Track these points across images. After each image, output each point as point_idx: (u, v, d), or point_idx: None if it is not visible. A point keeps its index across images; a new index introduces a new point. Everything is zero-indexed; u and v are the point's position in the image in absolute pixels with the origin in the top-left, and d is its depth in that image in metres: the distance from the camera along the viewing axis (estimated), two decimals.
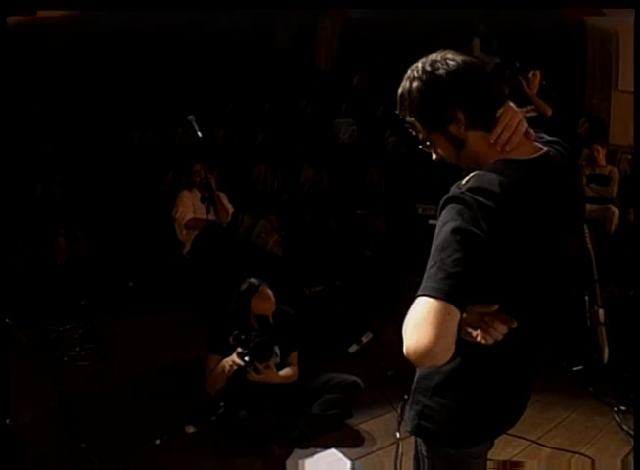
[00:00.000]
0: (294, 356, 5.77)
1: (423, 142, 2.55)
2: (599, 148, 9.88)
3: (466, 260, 2.12)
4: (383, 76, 13.40)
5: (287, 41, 14.83)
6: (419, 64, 2.44)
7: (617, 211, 9.37)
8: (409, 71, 2.47)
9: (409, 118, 2.52)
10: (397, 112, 2.56)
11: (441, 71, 2.38)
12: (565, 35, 11.33)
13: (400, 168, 10.86)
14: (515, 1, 9.68)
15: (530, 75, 8.54)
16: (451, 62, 2.38)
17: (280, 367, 5.62)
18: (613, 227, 9.29)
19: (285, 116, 12.58)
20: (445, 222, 2.21)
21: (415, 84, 2.43)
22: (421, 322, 2.08)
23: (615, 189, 9.66)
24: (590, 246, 6.72)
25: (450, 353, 2.11)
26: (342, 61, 14.64)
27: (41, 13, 10.94)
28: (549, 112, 8.55)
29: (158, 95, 12.10)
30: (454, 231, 2.16)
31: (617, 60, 11.31)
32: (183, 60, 13.01)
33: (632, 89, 9.77)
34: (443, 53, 2.42)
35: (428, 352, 2.06)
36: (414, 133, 2.56)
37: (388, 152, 11.54)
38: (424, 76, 2.40)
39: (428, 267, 2.18)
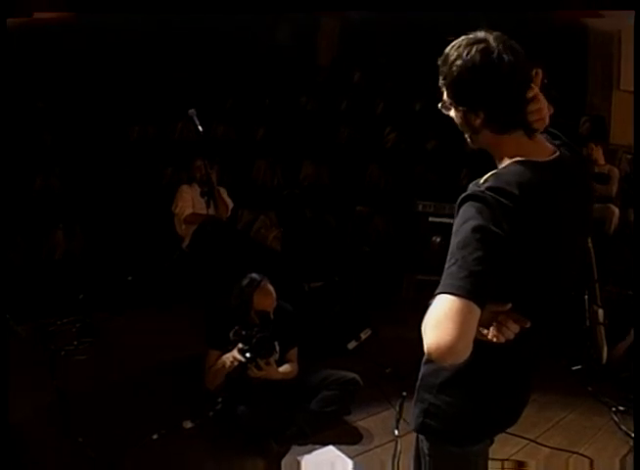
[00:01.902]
0: (293, 353, 5.77)
1: (443, 103, 2.53)
2: (593, 146, 9.87)
3: (487, 259, 2.14)
4: (383, 74, 13.41)
5: (288, 37, 14.81)
6: (474, 45, 2.36)
7: (616, 211, 9.37)
8: (460, 39, 2.41)
9: (441, 81, 2.48)
10: (438, 63, 2.47)
11: (488, 69, 2.33)
12: (566, 34, 11.32)
13: (400, 165, 10.86)
14: (514, 4, 9.68)
15: (533, 74, 8.48)
16: (504, 61, 2.33)
17: (279, 363, 5.63)
18: (612, 227, 9.30)
19: (285, 112, 12.57)
20: (465, 220, 2.22)
21: (458, 62, 2.36)
22: (443, 319, 2.09)
23: (614, 188, 9.66)
24: (590, 245, 6.71)
25: (469, 351, 2.12)
26: (343, 58, 14.63)
27: (38, 14, 10.96)
28: (551, 110, 8.51)
29: (158, 89, 12.08)
30: (475, 229, 2.17)
31: (619, 59, 11.32)
32: (183, 55, 12.99)
33: (634, 89, 9.77)
34: (502, 45, 2.34)
35: (450, 349, 2.07)
36: (440, 90, 2.52)
37: (387, 149, 11.53)
38: (469, 63, 2.34)
39: (447, 265, 2.18)
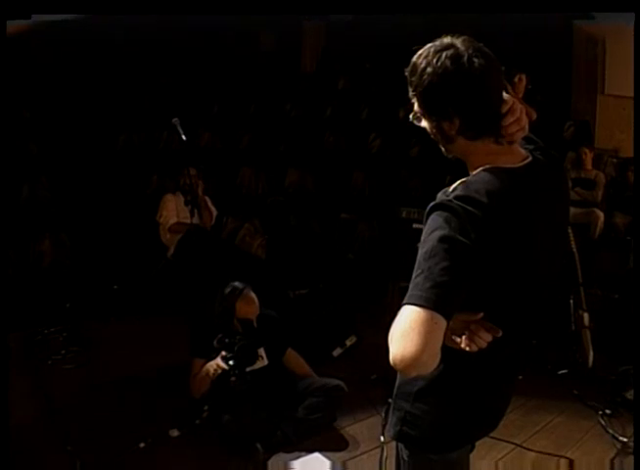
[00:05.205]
0: (290, 354, 5.86)
1: (415, 114, 2.47)
2: (587, 151, 9.91)
3: (453, 269, 2.11)
4: (367, 80, 13.43)
5: (272, 44, 14.83)
6: (443, 51, 2.28)
7: (601, 215, 9.40)
8: (429, 46, 2.33)
9: (411, 92, 2.41)
10: (406, 74, 2.40)
11: (459, 75, 2.26)
12: (550, 38, 11.35)
13: (385, 172, 10.87)
14: (508, 5, 9.70)
15: (516, 80, 8.48)
16: (475, 65, 2.25)
17: (270, 369, 5.65)
18: (597, 231, 9.33)
19: (270, 119, 12.58)
20: (432, 230, 2.19)
21: (429, 70, 2.29)
22: (408, 331, 2.06)
23: (600, 194, 9.69)
24: (575, 250, 6.73)
25: (436, 363, 2.11)
26: (327, 64, 14.65)
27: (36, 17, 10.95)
28: (534, 116, 8.50)
29: (143, 98, 12.09)
30: (442, 239, 2.14)
31: (604, 63, 11.36)
32: (169, 63, 13.00)
33: (618, 93, 9.83)
34: (471, 49, 2.28)
35: (414, 361, 2.05)
36: (411, 101, 2.45)
37: (372, 155, 11.54)
38: (440, 70, 2.27)
39: (414, 276, 2.16)
